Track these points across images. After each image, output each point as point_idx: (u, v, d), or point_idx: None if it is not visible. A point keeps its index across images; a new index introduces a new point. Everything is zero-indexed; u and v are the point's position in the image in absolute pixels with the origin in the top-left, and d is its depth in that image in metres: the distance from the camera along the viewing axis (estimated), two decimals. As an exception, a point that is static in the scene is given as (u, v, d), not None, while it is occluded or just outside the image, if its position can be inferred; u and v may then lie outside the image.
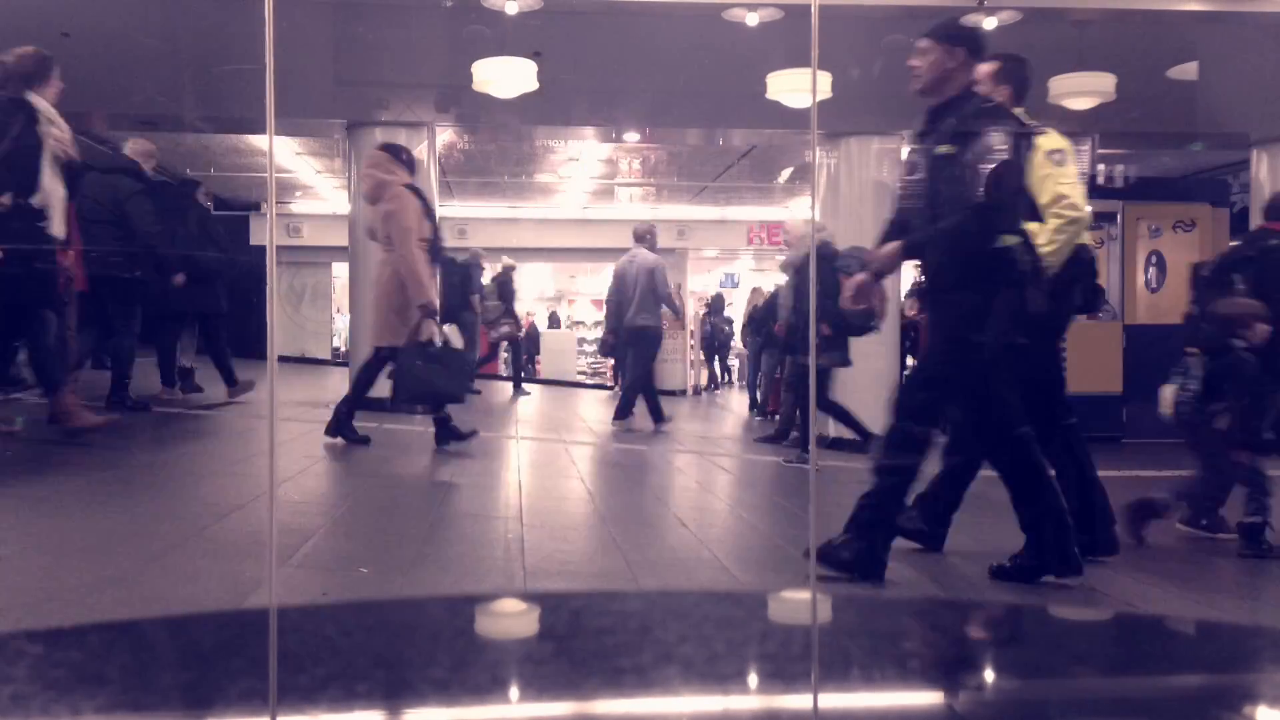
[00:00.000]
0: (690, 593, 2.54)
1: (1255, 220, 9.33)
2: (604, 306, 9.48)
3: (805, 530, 4.57)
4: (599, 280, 20.94)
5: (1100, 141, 9.78)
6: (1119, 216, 10.25)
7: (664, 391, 12.81)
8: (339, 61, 7.46)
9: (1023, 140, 3.47)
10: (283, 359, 15.68)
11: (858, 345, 8.53)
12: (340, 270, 15.42)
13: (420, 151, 8.93)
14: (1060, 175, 3.88)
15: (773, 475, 7.10)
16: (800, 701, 0.94)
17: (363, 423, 6.36)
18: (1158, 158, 11.54)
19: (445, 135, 10.07)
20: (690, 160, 12.63)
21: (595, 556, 4.03)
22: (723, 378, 17.98)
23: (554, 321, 21.70)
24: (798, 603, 1.46)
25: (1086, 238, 4.21)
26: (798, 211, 15.39)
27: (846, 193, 8.69)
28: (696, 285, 18.83)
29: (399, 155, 5.99)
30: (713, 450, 8.79)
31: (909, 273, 11.97)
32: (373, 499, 5.01)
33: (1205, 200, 10.36)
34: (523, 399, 12.06)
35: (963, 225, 3.40)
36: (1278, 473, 4.68)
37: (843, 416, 7.45)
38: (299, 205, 16.21)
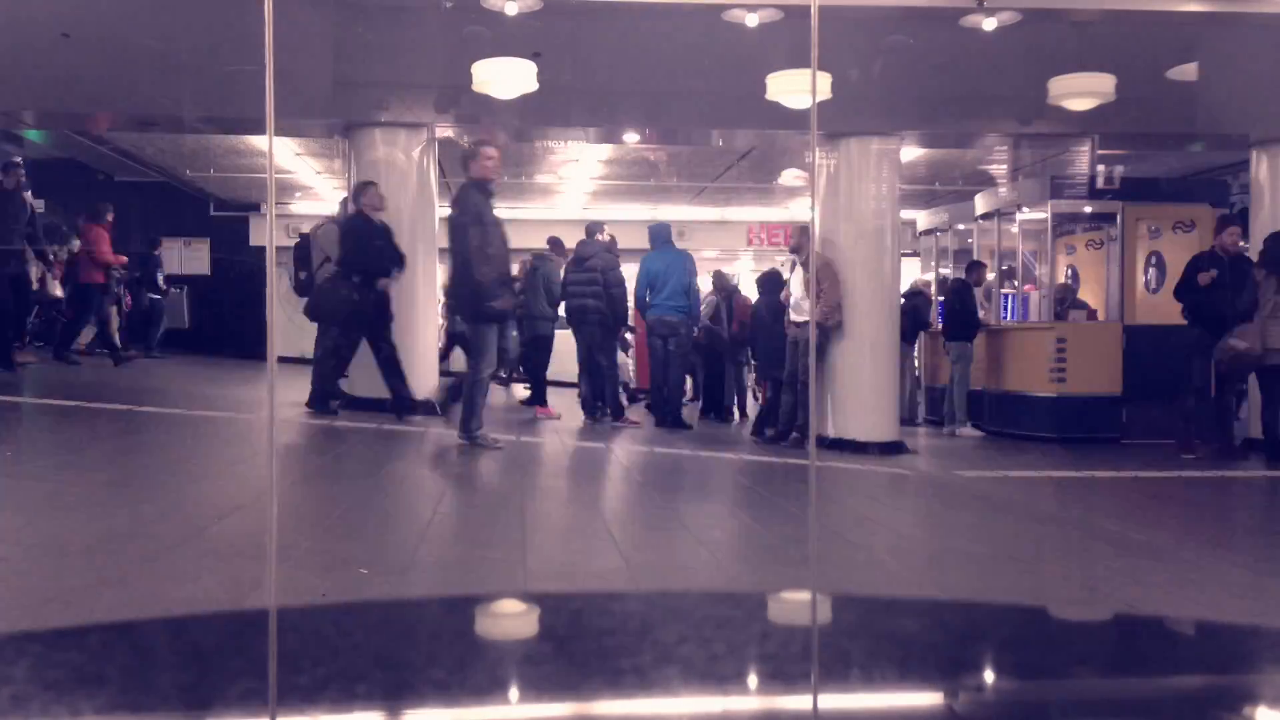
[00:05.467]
0: (690, 593, 2.54)
1: (1254, 221, 9.34)
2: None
3: (803, 530, 4.57)
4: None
5: (1100, 142, 9.79)
6: (1119, 217, 10.25)
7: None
8: (339, 61, 7.45)
9: None
10: (282, 360, 15.67)
11: (860, 346, 8.57)
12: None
13: (419, 153, 8.93)
14: None
15: (772, 475, 7.10)
16: (800, 702, 0.94)
17: (363, 423, 6.37)
18: (1158, 158, 11.53)
19: (445, 136, 10.04)
20: (690, 160, 12.62)
21: (594, 557, 4.03)
22: None
23: None
24: (798, 603, 1.46)
25: None
26: (798, 212, 15.39)
27: (846, 193, 8.69)
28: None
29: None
30: (713, 450, 8.78)
31: (908, 276, 11.95)
32: (372, 500, 5.01)
33: (1205, 201, 10.36)
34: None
35: None
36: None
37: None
38: (299, 206, 16.21)
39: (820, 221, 8.90)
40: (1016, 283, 12.05)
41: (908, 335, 10.30)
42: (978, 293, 10.59)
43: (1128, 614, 2.62)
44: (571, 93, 8.01)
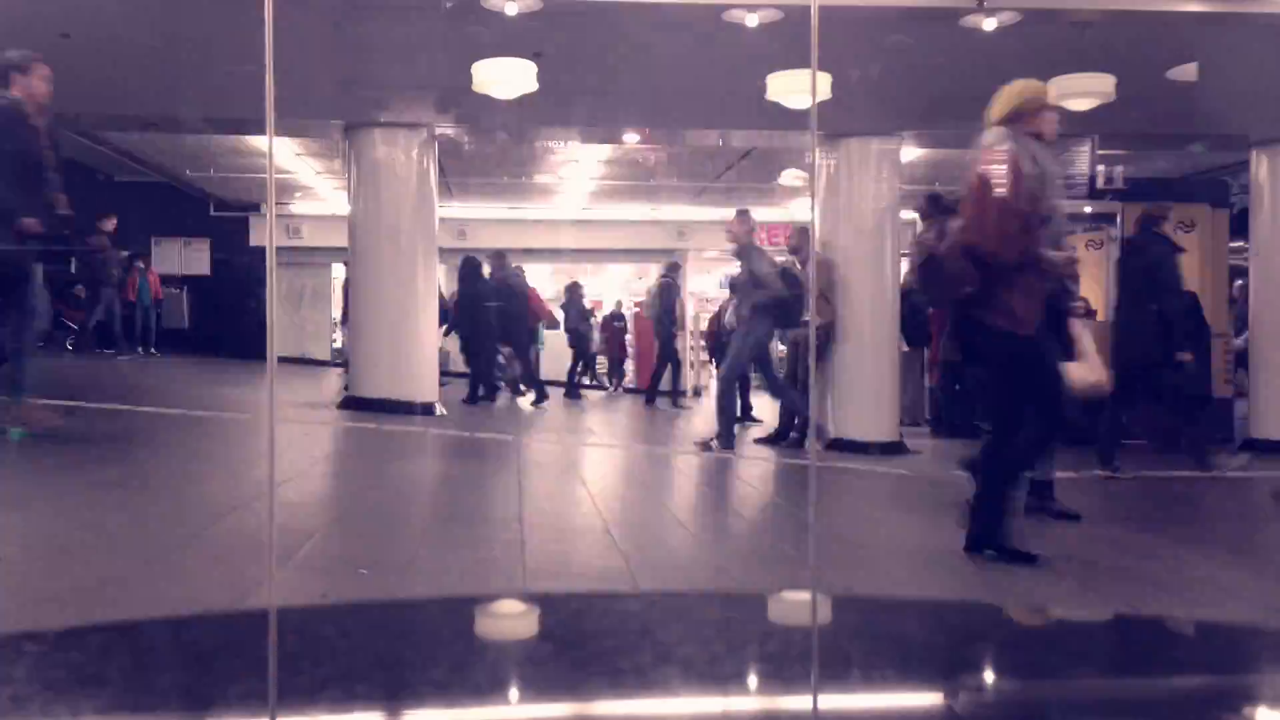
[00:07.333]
0: (690, 594, 2.54)
1: (1254, 221, 9.34)
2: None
3: (803, 530, 4.57)
4: (599, 281, 20.90)
5: (1100, 142, 9.78)
6: (1118, 217, 10.24)
7: (666, 392, 12.85)
8: (339, 62, 7.45)
9: None
10: (282, 360, 15.68)
11: (860, 347, 8.56)
12: (340, 271, 15.42)
13: (419, 153, 8.93)
14: None
15: (772, 475, 7.10)
16: (800, 702, 0.94)
17: (362, 424, 6.36)
18: (1158, 158, 11.52)
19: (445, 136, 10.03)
20: (690, 160, 12.62)
21: (595, 557, 4.03)
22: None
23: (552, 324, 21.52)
24: (798, 603, 1.46)
25: None
26: (797, 212, 15.37)
27: (846, 193, 8.68)
28: (695, 286, 18.83)
29: None
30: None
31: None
32: (373, 500, 5.01)
33: (1205, 201, 10.36)
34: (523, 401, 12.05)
35: None
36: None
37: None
38: (299, 206, 16.20)
39: (820, 221, 8.90)
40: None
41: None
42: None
43: (1128, 614, 2.62)
44: (572, 93, 8.01)
